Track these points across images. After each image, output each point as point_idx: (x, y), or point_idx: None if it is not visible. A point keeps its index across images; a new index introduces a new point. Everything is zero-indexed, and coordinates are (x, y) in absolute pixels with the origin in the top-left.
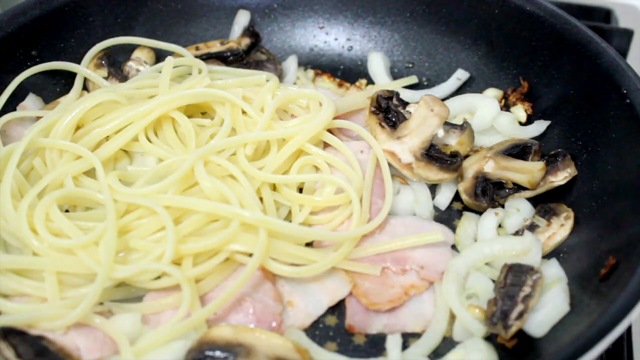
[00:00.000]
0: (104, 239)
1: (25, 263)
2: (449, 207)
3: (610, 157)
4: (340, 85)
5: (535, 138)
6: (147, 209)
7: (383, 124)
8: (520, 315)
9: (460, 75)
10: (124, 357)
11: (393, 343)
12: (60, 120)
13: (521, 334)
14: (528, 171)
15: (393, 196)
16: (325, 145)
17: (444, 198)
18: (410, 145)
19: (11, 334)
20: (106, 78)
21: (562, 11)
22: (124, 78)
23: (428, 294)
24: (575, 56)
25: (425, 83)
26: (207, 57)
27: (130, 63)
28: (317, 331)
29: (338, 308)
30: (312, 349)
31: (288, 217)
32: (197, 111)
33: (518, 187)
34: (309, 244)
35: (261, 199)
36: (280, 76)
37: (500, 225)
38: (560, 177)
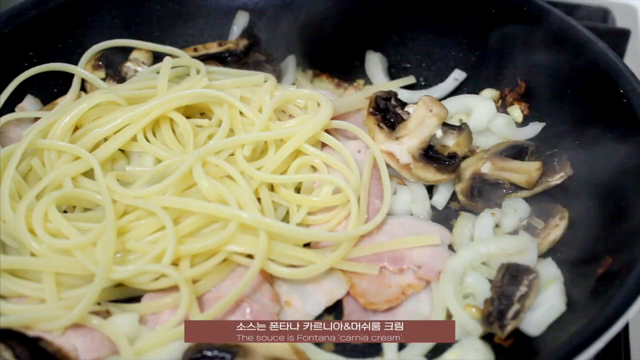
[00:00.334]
0: (102, 240)
1: (23, 264)
2: (446, 207)
3: (607, 157)
4: (338, 85)
5: (531, 138)
6: (146, 210)
7: (381, 124)
8: (517, 315)
9: (458, 76)
10: (124, 357)
11: (390, 343)
12: (59, 121)
13: (518, 333)
14: (525, 171)
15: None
16: (323, 145)
17: (441, 198)
18: (408, 146)
19: (9, 335)
20: (104, 79)
21: (559, 11)
22: (121, 79)
23: (425, 293)
24: (572, 56)
25: (423, 83)
26: (205, 58)
27: (128, 64)
28: None
29: (335, 308)
30: (309, 348)
31: (286, 218)
32: (196, 112)
33: (515, 187)
34: (306, 245)
35: (259, 200)
36: (279, 77)
37: (497, 225)
38: (557, 177)
